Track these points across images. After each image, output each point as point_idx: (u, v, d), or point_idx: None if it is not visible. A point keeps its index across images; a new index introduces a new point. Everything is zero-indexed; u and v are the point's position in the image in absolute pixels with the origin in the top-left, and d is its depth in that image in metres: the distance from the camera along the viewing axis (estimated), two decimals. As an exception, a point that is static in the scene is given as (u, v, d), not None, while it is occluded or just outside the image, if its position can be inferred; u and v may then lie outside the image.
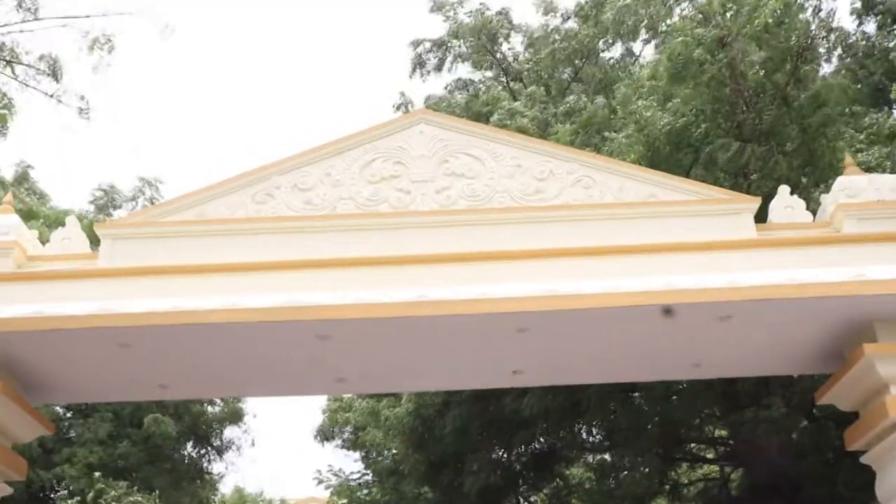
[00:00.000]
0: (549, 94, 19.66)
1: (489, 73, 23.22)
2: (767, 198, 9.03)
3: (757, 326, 8.09)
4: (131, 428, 21.19)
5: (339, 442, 20.84)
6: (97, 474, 18.98)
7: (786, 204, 8.80)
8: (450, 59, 23.04)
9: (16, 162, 25.48)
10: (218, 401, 24.74)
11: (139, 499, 18.59)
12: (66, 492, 19.93)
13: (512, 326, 7.93)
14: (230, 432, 25.31)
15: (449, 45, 22.84)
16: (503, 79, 22.67)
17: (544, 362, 9.03)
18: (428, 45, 22.89)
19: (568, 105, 17.55)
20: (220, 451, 25.20)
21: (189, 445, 24.21)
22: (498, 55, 22.99)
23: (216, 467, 25.60)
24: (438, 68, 23.17)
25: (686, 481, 19.75)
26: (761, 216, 8.71)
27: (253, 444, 32.88)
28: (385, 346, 8.40)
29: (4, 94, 19.20)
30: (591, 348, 8.65)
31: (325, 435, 20.71)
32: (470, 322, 7.82)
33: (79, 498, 18.69)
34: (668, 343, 8.49)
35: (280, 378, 9.25)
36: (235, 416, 25.11)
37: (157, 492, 20.10)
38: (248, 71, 79.58)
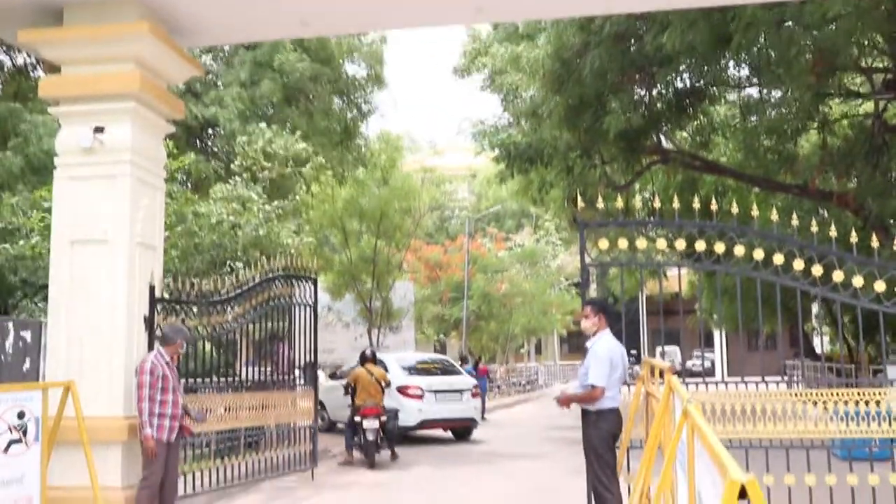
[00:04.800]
0: None
1: None
2: None
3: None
4: (270, 70, 21.65)
5: (478, 83, 20.80)
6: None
7: None
8: None
9: None
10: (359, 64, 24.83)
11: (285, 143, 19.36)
12: (220, 131, 21.00)
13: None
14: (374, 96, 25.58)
15: None
16: None
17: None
18: None
19: None
20: (364, 115, 25.59)
21: (333, 99, 24.58)
22: None
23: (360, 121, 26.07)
24: None
25: (838, 116, 18.96)
26: None
27: (396, 107, 33.38)
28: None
29: None
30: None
31: (463, 72, 20.68)
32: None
33: (245, 140, 19.63)
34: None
35: (418, 6, 9.08)
36: (378, 80, 25.22)
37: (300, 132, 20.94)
38: None
